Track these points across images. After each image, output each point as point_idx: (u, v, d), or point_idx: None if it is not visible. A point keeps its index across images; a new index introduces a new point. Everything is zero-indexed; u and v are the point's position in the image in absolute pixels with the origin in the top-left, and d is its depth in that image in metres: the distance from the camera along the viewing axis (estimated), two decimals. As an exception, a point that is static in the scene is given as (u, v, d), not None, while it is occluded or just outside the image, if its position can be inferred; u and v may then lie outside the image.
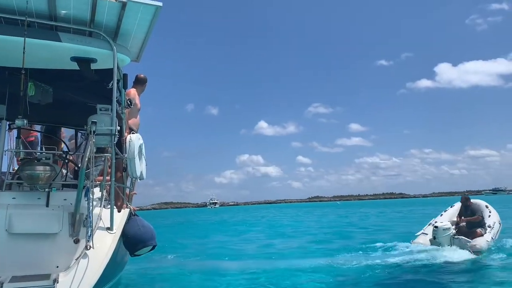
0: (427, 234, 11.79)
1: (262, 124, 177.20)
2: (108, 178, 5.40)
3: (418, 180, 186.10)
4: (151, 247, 5.48)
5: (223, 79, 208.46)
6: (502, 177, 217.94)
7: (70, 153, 6.59)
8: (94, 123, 4.32)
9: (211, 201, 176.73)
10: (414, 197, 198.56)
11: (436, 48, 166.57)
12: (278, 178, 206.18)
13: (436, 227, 11.18)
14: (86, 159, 4.22)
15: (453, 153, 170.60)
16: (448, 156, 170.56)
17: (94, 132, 4.29)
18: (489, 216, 12.26)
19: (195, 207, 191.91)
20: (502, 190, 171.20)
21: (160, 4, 4.80)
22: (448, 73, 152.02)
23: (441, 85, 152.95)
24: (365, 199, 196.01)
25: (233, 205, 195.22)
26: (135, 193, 7.15)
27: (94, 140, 4.30)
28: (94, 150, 4.35)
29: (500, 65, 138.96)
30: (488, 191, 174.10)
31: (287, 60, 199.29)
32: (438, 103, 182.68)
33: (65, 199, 4.79)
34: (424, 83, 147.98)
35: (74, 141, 8.18)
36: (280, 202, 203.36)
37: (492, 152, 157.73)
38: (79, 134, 8.01)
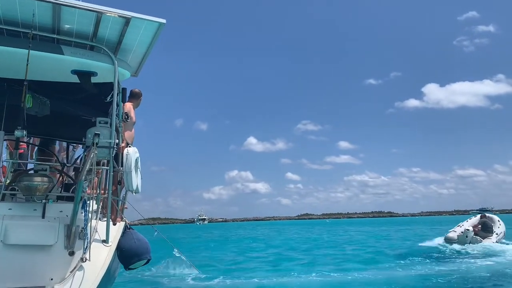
0: (456, 231, 19.77)
1: (251, 140, 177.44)
2: (102, 191, 5.41)
3: (406, 198, 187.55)
4: (145, 260, 5.47)
5: (213, 95, 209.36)
6: (489, 197, 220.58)
7: (67, 165, 6.58)
8: (97, 135, 4.33)
9: (199, 217, 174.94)
10: (403, 216, 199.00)
11: (424, 68, 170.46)
12: (267, 194, 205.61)
13: (467, 229, 19.27)
14: (85, 171, 4.24)
15: (441, 172, 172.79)
16: (436, 175, 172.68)
17: (96, 144, 4.31)
18: (498, 227, 20.70)
19: (183, 223, 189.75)
20: (488, 210, 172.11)
21: (163, 21, 4.89)
22: (435, 94, 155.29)
23: (429, 105, 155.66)
24: (354, 217, 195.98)
25: (222, 221, 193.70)
26: (126, 207, 7.14)
27: (96, 152, 4.32)
28: (96, 163, 4.37)
29: (486, 87, 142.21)
30: (475, 211, 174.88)
31: (276, 76, 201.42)
32: (426, 123, 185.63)
33: (61, 211, 4.77)
34: (412, 102, 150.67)
35: (64, 153, 8.17)
36: (269, 219, 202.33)
37: (480, 172, 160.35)
38: (70, 147, 8.00)
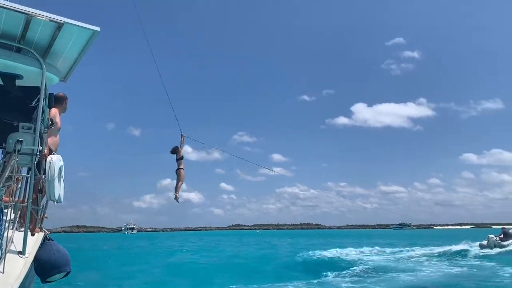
0: (486, 239, 32.94)
1: (186, 148, 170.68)
2: (20, 199, 5.15)
3: (333, 212, 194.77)
4: (65, 273, 5.26)
5: (146, 100, 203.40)
6: (409, 213, 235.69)
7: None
8: (20, 141, 4.15)
9: (127, 226, 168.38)
10: (330, 228, 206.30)
11: (354, 88, 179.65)
12: (200, 204, 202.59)
13: (489, 237, 33.12)
14: (4, 179, 4.04)
15: (366, 187, 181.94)
16: (361, 190, 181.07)
17: (18, 151, 4.12)
18: None
19: (110, 231, 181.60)
20: (407, 225, 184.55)
21: (97, 29, 4.81)
22: (363, 113, 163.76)
23: (357, 123, 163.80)
24: (283, 229, 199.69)
25: (151, 231, 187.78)
26: (46, 217, 6.80)
27: (17, 160, 4.13)
28: (17, 170, 4.18)
29: (409, 109, 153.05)
30: (395, 226, 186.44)
31: (212, 87, 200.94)
32: (354, 140, 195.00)
33: None
34: (342, 120, 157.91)
35: None
36: (200, 229, 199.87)
37: (401, 189, 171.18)
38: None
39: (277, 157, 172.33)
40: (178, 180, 10.94)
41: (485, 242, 33.26)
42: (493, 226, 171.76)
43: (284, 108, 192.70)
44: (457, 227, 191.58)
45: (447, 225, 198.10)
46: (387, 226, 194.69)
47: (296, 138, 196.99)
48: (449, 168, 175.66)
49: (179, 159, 10.96)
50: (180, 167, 10.90)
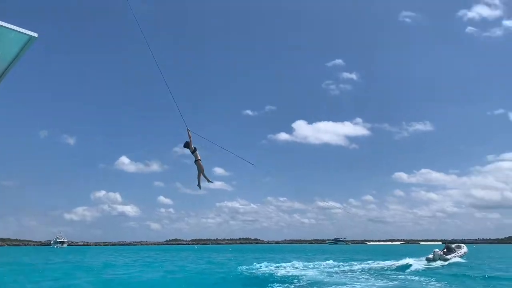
0: (432, 254, 38.39)
1: (124, 159, 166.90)
2: None
3: (272, 226, 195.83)
4: None
5: (85, 108, 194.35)
6: (343, 228, 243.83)
7: None
8: None
9: (57, 240, 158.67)
10: (268, 243, 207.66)
11: (295, 105, 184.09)
12: (136, 218, 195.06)
13: (435, 251, 38.78)
14: None
15: (305, 203, 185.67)
16: (300, 205, 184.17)
17: None
18: (460, 249, 43.65)
19: (38, 245, 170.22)
20: (342, 241, 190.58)
21: (35, 34, 4.60)
22: (304, 130, 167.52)
23: (298, 139, 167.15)
24: (222, 243, 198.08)
25: (83, 245, 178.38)
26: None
27: None
28: None
29: (346, 128, 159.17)
30: (331, 241, 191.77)
31: (153, 98, 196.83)
32: (294, 156, 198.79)
33: None
34: (283, 136, 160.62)
35: None
36: (135, 244, 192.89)
37: (337, 205, 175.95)
38: None
39: (219, 171, 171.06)
40: (199, 170, 12.36)
41: (431, 256, 38.64)
42: (421, 242, 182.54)
43: (228, 122, 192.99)
44: (388, 243, 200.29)
45: (379, 240, 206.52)
46: (323, 241, 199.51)
47: (238, 152, 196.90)
48: (382, 185, 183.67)
49: (193, 151, 12.35)
50: (198, 158, 12.26)
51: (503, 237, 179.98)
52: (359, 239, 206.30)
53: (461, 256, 42.62)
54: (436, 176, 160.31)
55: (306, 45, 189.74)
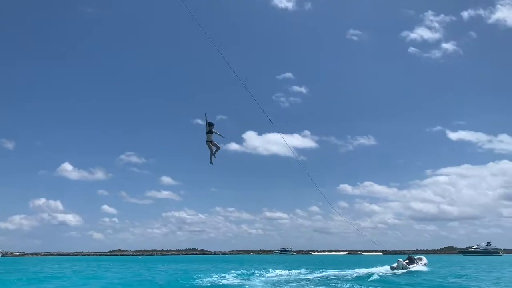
0: (396, 263, 43.19)
1: (67, 166, 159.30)
2: None
3: (220, 237, 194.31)
4: None
5: (22, 110, 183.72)
6: (290, 239, 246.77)
7: None
8: None
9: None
10: (215, 253, 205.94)
11: (246, 116, 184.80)
12: (78, 227, 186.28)
13: (399, 260, 44.00)
14: None
15: (252, 213, 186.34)
16: (248, 215, 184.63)
17: None
18: (421, 260, 48.99)
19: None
20: (288, 251, 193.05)
21: None
22: (254, 141, 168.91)
23: (248, 150, 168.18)
24: (168, 254, 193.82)
25: (19, 255, 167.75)
26: None
27: None
28: None
29: (295, 140, 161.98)
30: (277, 251, 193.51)
31: (100, 104, 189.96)
32: (244, 167, 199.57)
33: None
34: (234, 146, 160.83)
35: None
36: (76, 254, 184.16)
37: (284, 215, 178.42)
38: None
39: (166, 180, 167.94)
40: (209, 151, 15.23)
41: (395, 265, 43.06)
42: (363, 253, 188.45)
43: (177, 131, 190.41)
44: (332, 253, 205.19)
45: (324, 251, 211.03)
46: (269, 252, 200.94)
47: (187, 161, 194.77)
48: (327, 197, 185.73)
49: (207, 132, 15.17)
50: (208, 140, 15.41)
51: (438, 248, 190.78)
52: (305, 249, 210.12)
53: (424, 265, 48.46)
54: (378, 188, 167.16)
55: (259, 57, 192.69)
